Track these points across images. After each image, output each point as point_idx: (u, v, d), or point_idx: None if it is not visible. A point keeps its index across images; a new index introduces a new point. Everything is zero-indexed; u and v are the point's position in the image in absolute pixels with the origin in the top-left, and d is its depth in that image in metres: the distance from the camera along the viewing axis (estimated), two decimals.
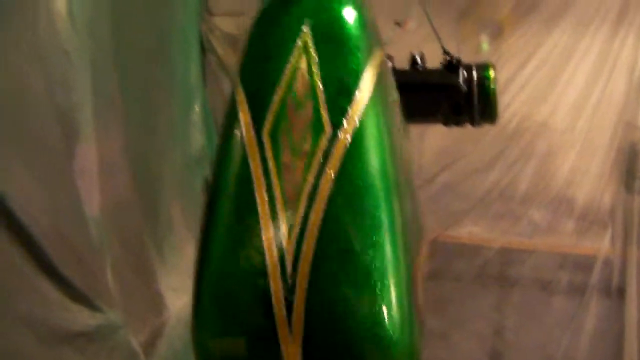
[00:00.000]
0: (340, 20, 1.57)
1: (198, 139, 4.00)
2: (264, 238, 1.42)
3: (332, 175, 1.43)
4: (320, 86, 1.49)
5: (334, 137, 1.45)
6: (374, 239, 1.40)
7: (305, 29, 1.55)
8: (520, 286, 4.42)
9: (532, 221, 4.46)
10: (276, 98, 1.51)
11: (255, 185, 1.46)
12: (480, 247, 4.45)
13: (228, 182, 1.52)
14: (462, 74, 2.50)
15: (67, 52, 2.99)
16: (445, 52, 2.67)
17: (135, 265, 3.48)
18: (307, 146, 1.46)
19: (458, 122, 2.57)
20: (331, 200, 1.42)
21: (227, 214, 1.50)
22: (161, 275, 3.58)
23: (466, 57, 4.15)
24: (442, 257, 4.37)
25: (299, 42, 1.54)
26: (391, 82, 1.63)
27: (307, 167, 1.45)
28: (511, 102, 4.36)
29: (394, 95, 1.63)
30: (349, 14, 1.56)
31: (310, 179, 1.44)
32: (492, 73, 2.48)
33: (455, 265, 4.43)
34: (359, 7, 1.56)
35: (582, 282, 4.35)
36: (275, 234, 1.43)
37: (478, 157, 4.41)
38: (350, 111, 1.47)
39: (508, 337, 4.42)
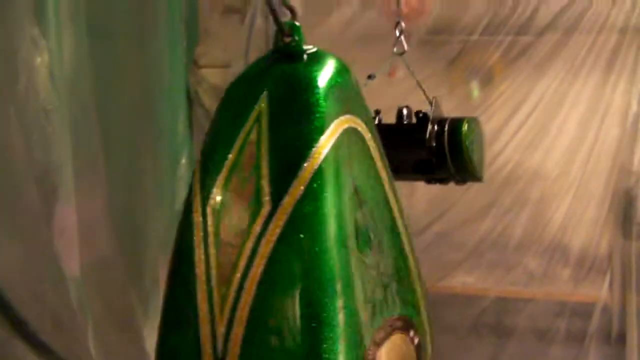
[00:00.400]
0: (299, 87, 1.47)
1: (184, 193, 3.96)
2: (200, 318, 1.39)
3: (264, 259, 1.36)
4: (266, 159, 1.42)
5: (271, 215, 1.38)
6: (303, 325, 1.33)
7: (264, 96, 1.47)
8: (517, 336, 4.32)
9: (527, 269, 4.37)
10: (225, 171, 1.45)
11: (196, 262, 1.42)
12: (474, 298, 4.37)
13: (175, 256, 1.48)
14: (431, 129, 2.42)
15: (47, 110, 2.98)
16: (430, 103, 2.60)
17: (119, 324, 3.43)
18: (244, 225, 1.39)
19: (439, 180, 2.51)
20: (261, 285, 1.36)
21: (175, 287, 1.48)
22: (147, 333, 3.52)
23: (456, 105, 4.16)
24: (435, 309, 4.22)
25: (255, 112, 1.47)
26: (367, 144, 1.54)
27: (242, 247, 1.38)
28: (503, 149, 4.32)
29: (372, 158, 1.56)
30: (311, 81, 1.51)
31: (243, 261, 1.37)
32: (465, 128, 2.39)
33: (448, 317, 4.33)
34: (329, 72, 1.51)
35: (580, 330, 4.25)
36: (210, 316, 1.38)
37: (470, 205, 4.35)
38: (292, 187, 1.39)
39: None
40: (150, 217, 3.69)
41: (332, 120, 1.46)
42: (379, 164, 1.54)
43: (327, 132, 1.43)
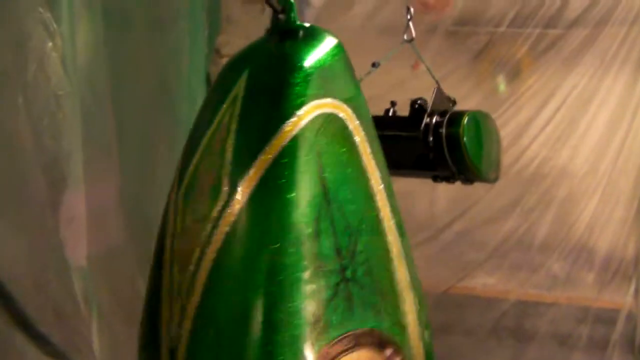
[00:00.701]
0: (278, 67, 1.40)
1: None
2: (162, 305, 1.35)
3: (215, 251, 1.28)
4: (232, 143, 1.34)
5: (226, 205, 1.29)
6: (244, 330, 1.25)
7: (244, 78, 1.41)
8: (538, 341, 4.17)
9: (550, 272, 4.23)
10: (197, 154, 1.40)
11: (166, 248, 1.38)
12: (495, 300, 4.23)
13: (157, 239, 1.46)
14: (427, 121, 2.27)
15: (58, 96, 2.89)
16: (442, 96, 2.46)
17: (127, 316, 3.33)
18: (205, 211, 1.31)
19: (444, 178, 2.36)
20: (207, 285, 1.28)
21: (152, 269, 1.46)
22: None
23: (482, 99, 4.03)
24: (454, 310, 4.17)
25: (232, 94, 1.41)
26: (349, 133, 1.40)
27: (199, 235, 1.31)
28: (529, 145, 4.19)
29: (356, 149, 1.41)
30: (293, 60, 1.38)
31: (197, 252, 1.30)
32: (465, 122, 2.23)
33: (467, 319, 4.21)
34: (318, 53, 1.38)
35: (603, 337, 4.10)
36: (169, 304, 1.34)
37: (493, 204, 4.21)
38: (248, 175, 1.29)
39: None
40: (162, 208, 3.58)
41: (305, 104, 1.33)
42: (366, 157, 1.40)
43: (294, 118, 1.31)
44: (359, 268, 1.35)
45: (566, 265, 4.21)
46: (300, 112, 1.32)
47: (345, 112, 1.39)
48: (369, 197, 1.40)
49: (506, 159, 4.15)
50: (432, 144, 2.25)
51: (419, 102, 2.33)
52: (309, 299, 1.27)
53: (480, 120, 2.33)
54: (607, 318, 4.12)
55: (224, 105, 1.39)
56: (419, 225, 4.26)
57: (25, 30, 2.75)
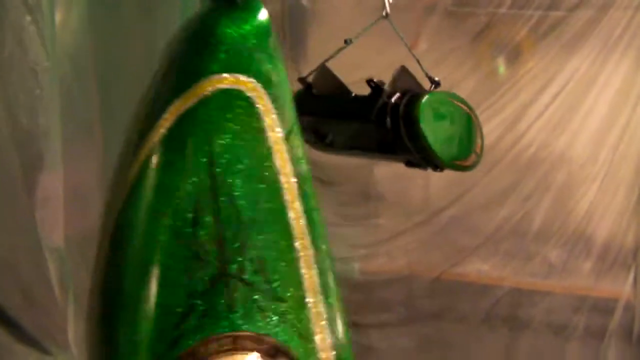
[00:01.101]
0: (190, 36, 1.39)
1: None
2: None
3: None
4: (138, 117, 1.42)
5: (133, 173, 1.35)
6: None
7: (164, 49, 1.47)
8: (532, 330, 4.10)
9: (546, 260, 4.14)
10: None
11: None
12: (489, 287, 4.14)
13: None
14: (382, 102, 2.16)
15: (35, 71, 2.81)
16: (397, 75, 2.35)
17: None
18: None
19: (415, 164, 2.25)
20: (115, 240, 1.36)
21: None
22: None
23: (481, 82, 3.93)
24: (446, 297, 4.10)
25: (160, 60, 1.48)
26: (257, 117, 1.28)
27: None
28: (527, 130, 4.09)
29: (263, 135, 1.30)
30: (206, 30, 1.33)
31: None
32: (422, 103, 2.11)
33: (460, 306, 4.14)
34: (240, 25, 1.29)
35: (600, 327, 4.03)
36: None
37: (489, 189, 4.12)
38: (146, 144, 1.31)
39: None
40: None
41: (205, 78, 1.25)
42: (277, 147, 1.29)
43: (187, 93, 1.23)
44: (247, 265, 1.23)
45: (563, 253, 4.11)
46: (196, 87, 1.24)
47: (255, 92, 1.29)
48: (274, 190, 1.29)
49: (503, 144, 4.07)
50: (389, 126, 2.14)
51: (374, 81, 2.23)
52: (176, 287, 1.18)
53: (445, 103, 2.22)
54: (604, 308, 4.04)
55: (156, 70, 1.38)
56: (412, 209, 4.20)
57: (2, 3, 2.68)
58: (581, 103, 4.10)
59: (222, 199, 1.22)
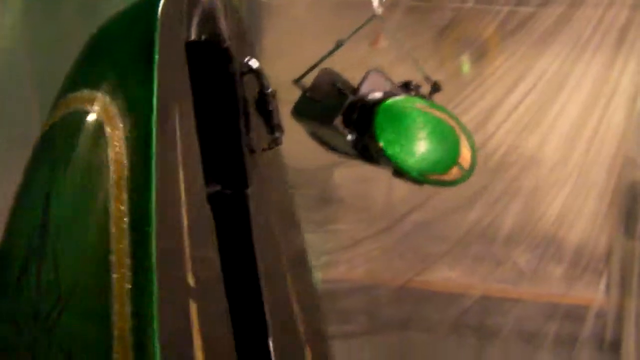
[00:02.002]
0: None
1: None
2: None
3: None
4: None
5: None
6: None
7: None
8: (501, 339, 3.98)
9: (516, 266, 4.02)
10: None
11: None
12: (456, 295, 4.01)
13: None
14: (346, 111, 2.04)
15: None
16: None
17: None
18: None
19: (397, 174, 2.11)
20: None
21: None
22: None
23: (445, 80, 3.79)
24: (413, 306, 3.97)
25: None
26: (105, 143, 1.07)
27: None
28: (495, 132, 3.97)
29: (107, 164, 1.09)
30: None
31: None
32: (380, 109, 1.97)
33: (427, 315, 4.00)
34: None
35: (571, 334, 3.94)
36: None
37: (456, 193, 3.95)
38: None
39: None
40: None
41: (64, 96, 1.09)
42: (119, 175, 1.06)
43: (52, 115, 1.08)
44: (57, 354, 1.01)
45: (533, 259, 4.01)
46: (56, 107, 1.08)
47: (105, 114, 1.07)
48: (100, 244, 1.06)
49: None
50: (354, 135, 2.00)
51: (337, 85, 2.08)
52: None
53: (413, 110, 2.06)
54: (575, 315, 3.95)
55: None
56: (375, 214, 4.06)
57: None
58: (551, 103, 4.00)
59: (49, 249, 1.00)
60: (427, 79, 2.26)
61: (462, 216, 4.02)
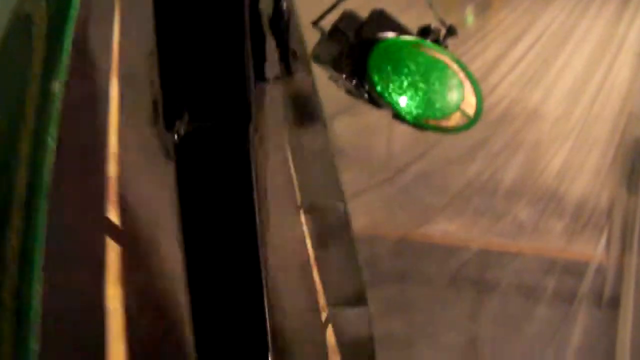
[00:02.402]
0: None
1: None
2: None
3: None
4: None
5: None
6: None
7: None
8: (500, 293, 3.95)
9: (516, 220, 3.99)
10: None
11: None
12: (455, 248, 3.97)
13: None
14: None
15: None
16: None
17: None
18: None
19: (396, 117, 2.09)
20: None
21: None
22: None
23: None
24: (411, 258, 3.92)
25: None
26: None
27: None
28: (498, 84, 3.90)
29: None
30: None
31: None
32: (375, 49, 1.90)
33: (425, 267, 3.95)
34: None
35: (570, 290, 3.91)
36: None
37: (457, 144, 3.94)
38: None
39: (483, 350, 3.95)
40: None
41: None
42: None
43: None
44: None
45: (534, 213, 3.97)
46: None
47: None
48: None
49: None
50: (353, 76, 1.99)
51: (337, 26, 2.05)
52: None
53: (413, 52, 2.02)
54: (575, 270, 3.93)
55: None
56: (375, 165, 4.01)
57: None
58: (555, 57, 3.95)
59: None
60: (442, 23, 2.21)
61: (463, 168, 3.97)
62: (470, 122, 2.10)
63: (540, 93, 3.96)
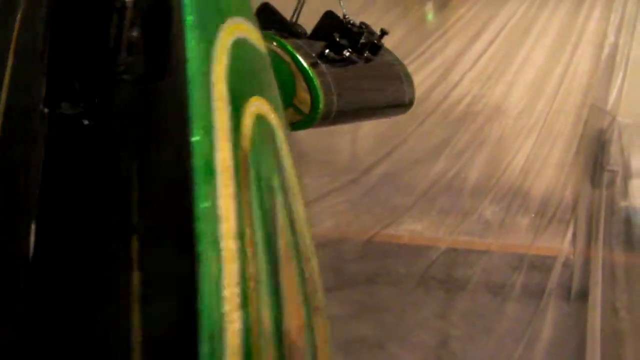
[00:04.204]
0: None
1: None
2: None
3: None
4: None
5: None
6: None
7: None
8: (469, 291, 3.93)
9: (482, 218, 3.97)
10: None
11: None
12: (423, 248, 3.95)
13: None
14: None
15: None
16: None
17: None
18: None
19: None
20: None
21: None
22: None
23: (410, 29, 3.72)
24: (379, 259, 3.90)
25: None
26: None
27: None
28: (459, 81, 3.89)
29: None
30: None
31: None
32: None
33: (394, 268, 3.94)
34: None
35: (538, 285, 3.90)
36: None
37: (421, 144, 3.92)
38: None
39: (455, 349, 3.93)
40: None
41: None
42: None
43: None
44: None
45: (499, 210, 3.96)
46: None
47: None
48: None
49: (434, 96, 3.86)
50: None
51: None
52: None
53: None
54: (542, 265, 3.92)
55: None
56: (339, 167, 3.98)
57: None
58: (516, 52, 3.93)
59: None
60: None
61: (427, 168, 3.95)
62: (307, 120, 1.96)
63: (502, 88, 3.94)
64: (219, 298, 0.96)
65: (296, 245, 1.10)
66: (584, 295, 3.88)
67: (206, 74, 1.07)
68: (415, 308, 3.93)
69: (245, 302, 0.96)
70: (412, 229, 3.98)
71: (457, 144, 3.94)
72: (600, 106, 3.91)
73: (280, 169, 1.13)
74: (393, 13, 3.84)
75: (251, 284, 0.98)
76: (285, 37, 2.08)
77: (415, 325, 3.88)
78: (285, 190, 1.12)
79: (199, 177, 1.00)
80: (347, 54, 2.07)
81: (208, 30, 1.13)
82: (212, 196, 0.98)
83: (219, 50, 1.14)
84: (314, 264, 1.10)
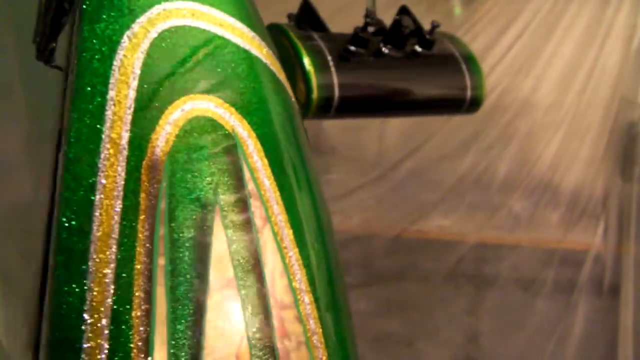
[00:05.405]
0: None
1: None
2: None
3: None
4: None
5: None
6: None
7: None
8: (499, 287, 3.92)
9: (512, 213, 3.95)
10: None
11: None
12: (451, 243, 3.94)
13: None
14: None
15: None
16: None
17: (35, 276, 2.99)
18: None
19: None
20: None
21: None
22: None
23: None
24: (408, 255, 3.90)
25: None
26: None
27: None
28: (488, 75, 3.80)
29: None
30: None
31: None
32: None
33: (422, 264, 3.94)
34: None
35: (569, 281, 3.88)
36: None
37: (449, 139, 3.90)
38: None
39: (484, 345, 3.95)
40: None
41: None
42: None
43: None
44: None
45: (529, 205, 3.93)
46: None
47: None
48: None
49: None
50: None
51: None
52: None
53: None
54: (573, 260, 3.89)
55: None
56: (367, 162, 3.98)
57: None
58: (545, 45, 3.89)
59: None
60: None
61: (455, 163, 3.93)
62: (305, 110, 1.96)
63: (531, 82, 3.91)
64: None
65: None
66: (616, 290, 3.86)
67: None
68: (445, 304, 3.93)
69: None
70: (440, 224, 3.97)
71: (485, 138, 3.91)
72: (630, 99, 3.87)
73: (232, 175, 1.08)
74: (420, 7, 3.81)
75: None
76: (307, 32, 2.09)
77: (444, 321, 3.88)
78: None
79: None
80: (383, 48, 2.11)
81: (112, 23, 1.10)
82: None
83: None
84: None
